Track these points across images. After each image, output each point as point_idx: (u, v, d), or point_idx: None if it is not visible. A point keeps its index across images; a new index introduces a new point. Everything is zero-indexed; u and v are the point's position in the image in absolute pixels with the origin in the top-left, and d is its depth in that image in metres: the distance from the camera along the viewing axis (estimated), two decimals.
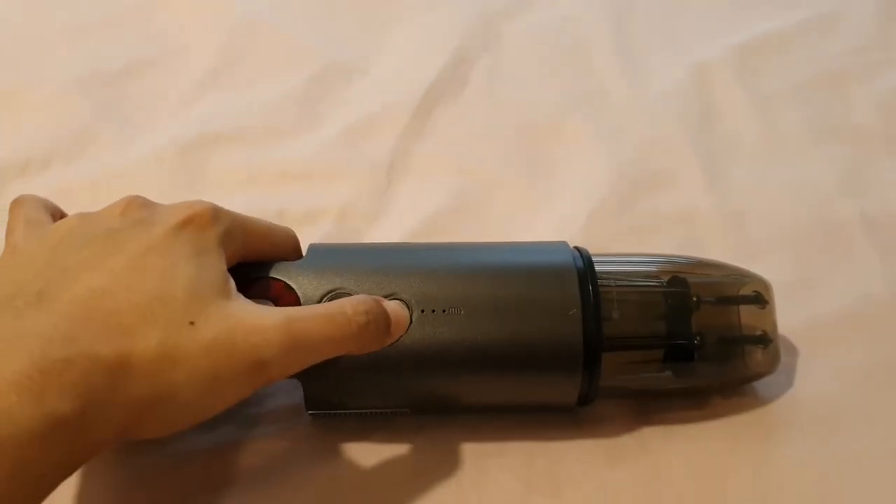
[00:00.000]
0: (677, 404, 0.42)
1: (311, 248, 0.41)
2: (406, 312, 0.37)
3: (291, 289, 0.39)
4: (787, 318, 0.41)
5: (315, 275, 0.39)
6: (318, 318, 0.34)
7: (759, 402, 0.43)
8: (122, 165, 0.54)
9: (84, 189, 0.53)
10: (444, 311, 0.38)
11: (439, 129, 0.58)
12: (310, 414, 0.41)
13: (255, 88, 0.60)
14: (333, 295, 0.38)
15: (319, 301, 0.38)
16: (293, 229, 0.49)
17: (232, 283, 0.35)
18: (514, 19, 0.64)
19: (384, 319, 0.36)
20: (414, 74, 0.60)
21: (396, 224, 0.52)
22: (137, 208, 0.36)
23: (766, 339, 0.40)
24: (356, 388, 0.39)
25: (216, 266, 0.34)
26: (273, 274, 0.39)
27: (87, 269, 0.32)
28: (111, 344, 0.30)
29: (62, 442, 0.28)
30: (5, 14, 0.66)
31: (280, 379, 0.34)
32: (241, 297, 0.35)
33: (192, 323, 0.31)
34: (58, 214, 0.39)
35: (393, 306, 0.37)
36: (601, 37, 0.63)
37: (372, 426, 0.42)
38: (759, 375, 0.41)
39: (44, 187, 0.52)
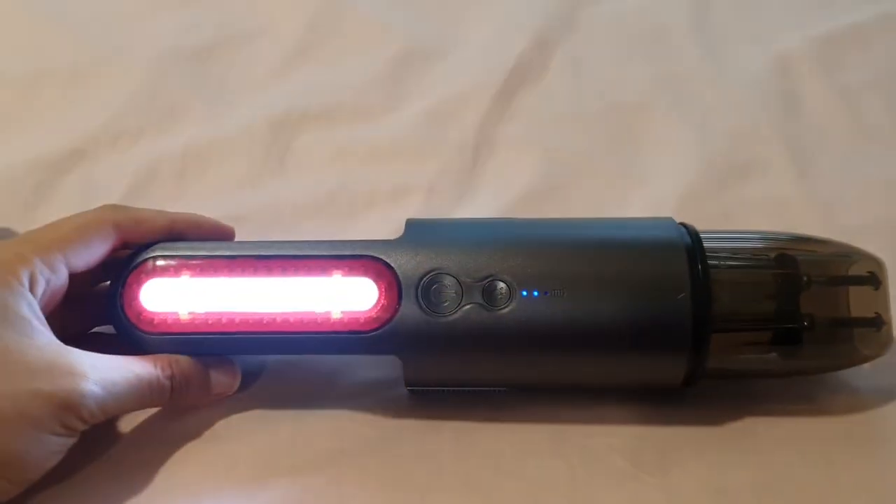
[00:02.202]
0: (786, 395, 0.41)
1: (409, 223, 0.40)
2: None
3: (391, 268, 0.38)
4: None
5: (413, 254, 0.39)
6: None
7: (865, 396, 0.41)
8: (213, 138, 0.55)
9: (176, 161, 0.53)
10: (545, 292, 0.37)
11: (523, 110, 0.57)
12: (408, 390, 0.41)
13: (340, 67, 0.60)
14: (433, 275, 0.38)
15: (419, 282, 0.38)
16: (381, 208, 0.50)
17: None
18: (595, 4, 0.63)
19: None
20: (496, 56, 0.60)
21: (484, 204, 0.52)
22: None
23: (879, 322, 0.39)
24: (456, 367, 0.39)
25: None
26: (373, 253, 0.39)
27: None
28: None
29: None
30: None
31: None
32: None
33: None
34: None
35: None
36: (682, 24, 0.62)
37: (471, 402, 0.41)
38: (869, 358, 0.40)
39: (135, 159, 0.54)
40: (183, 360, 0.39)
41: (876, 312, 0.39)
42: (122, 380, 0.36)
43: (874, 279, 0.39)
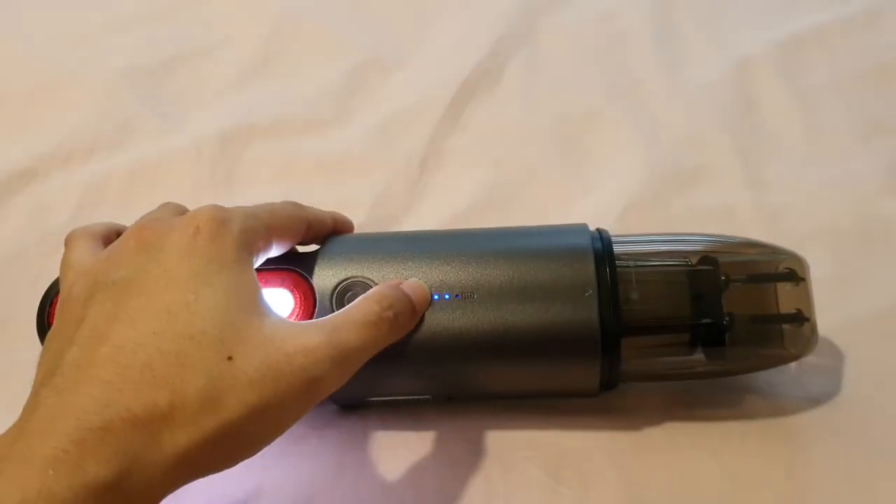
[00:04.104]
0: (709, 401, 0.41)
1: (329, 238, 0.41)
2: (424, 285, 0.37)
3: (306, 278, 0.39)
4: (827, 318, 0.39)
5: (330, 264, 0.39)
6: (355, 325, 0.33)
7: (793, 402, 0.41)
8: (162, 156, 0.56)
9: (124, 179, 0.54)
10: (457, 295, 0.37)
11: (474, 122, 0.57)
12: (333, 402, 0.41)
13: (292, 81, 0.60)
14: (348, 283, 0.38)
15: (334, 290, 0.38)
16: None
17: (261, 293, 0.33)
18: (553, 13, 0.63)
19: (409, 305, 0.36)
20: (450, 67, 0.60)
21: (429, 216, 0.52)
22: (148, 236, 0.33)
23: (800, 318, 0.38)
24: (376, 376, 0.39)
25: (242, 278, 0.33)
26: (289, 264, 0.39)
27: (111, 322, 0.30)
28: (148, 400, 0.28)
29: None
30: (49, 5, 0.67)
31: (330, 392, 0.33)
32: (273, 312, 0.33)
33: (230, 358, 0.30)
34: (113, 236, 0.38)
35: (411, 284, 0.37)
36: (641, 31, 0.62)
37: (397, 414, 0.41)
38: (795, 357, 0.39)
39: (86, 177, 0.54)
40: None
41: (797, 308, 0.38)
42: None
43: (794, 276, 0.39)
